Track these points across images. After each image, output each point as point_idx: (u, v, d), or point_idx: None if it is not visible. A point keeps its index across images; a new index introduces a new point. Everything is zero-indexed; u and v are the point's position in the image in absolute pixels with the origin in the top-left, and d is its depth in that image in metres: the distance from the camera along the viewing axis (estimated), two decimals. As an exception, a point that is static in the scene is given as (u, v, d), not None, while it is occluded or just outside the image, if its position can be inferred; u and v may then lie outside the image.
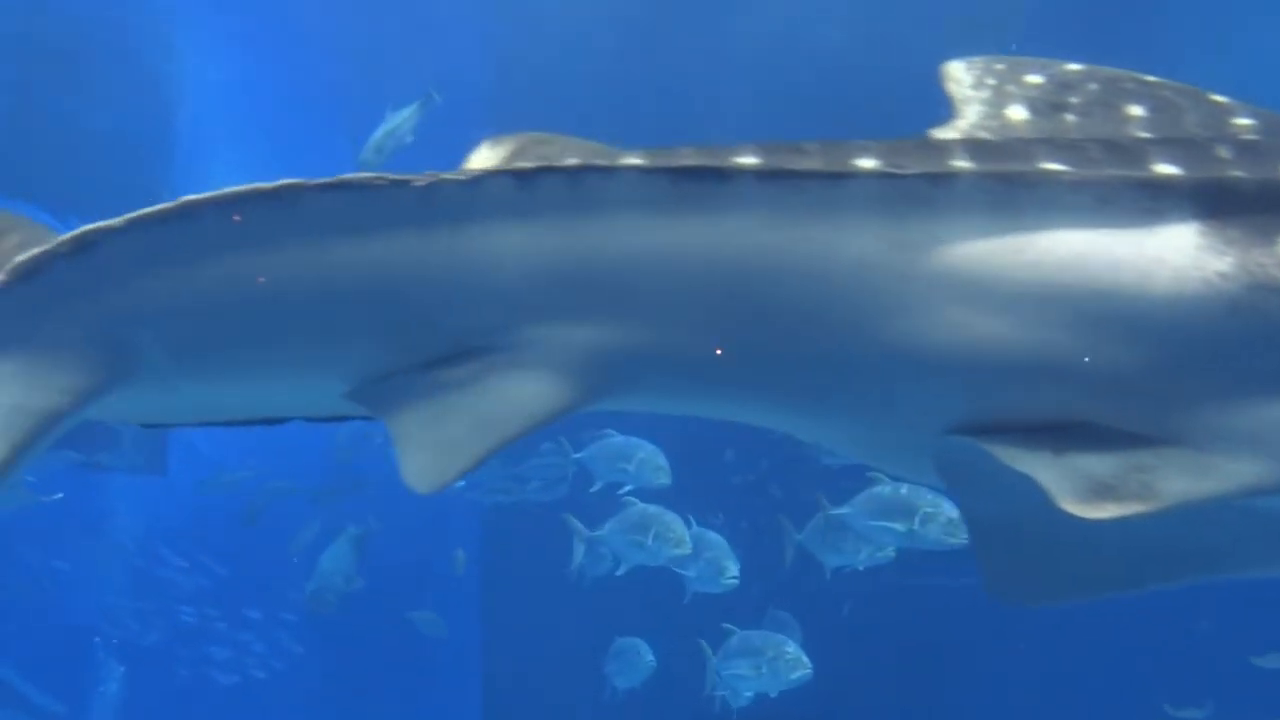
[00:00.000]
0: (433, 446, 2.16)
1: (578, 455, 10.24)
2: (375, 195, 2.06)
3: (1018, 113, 2.61)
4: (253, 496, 13.64)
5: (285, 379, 2.32)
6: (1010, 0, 11.59)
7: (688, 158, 2.10)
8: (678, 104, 12.40)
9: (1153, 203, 2.06)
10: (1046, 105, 2.61)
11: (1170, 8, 11.40)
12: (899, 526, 8.01)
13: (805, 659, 8.76)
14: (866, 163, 2.08)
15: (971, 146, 2.16)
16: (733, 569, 9.17)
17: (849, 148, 2.13)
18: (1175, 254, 2.04)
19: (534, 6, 12.83)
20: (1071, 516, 2.00)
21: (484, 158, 2.38)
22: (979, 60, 2.88)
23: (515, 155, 2.32)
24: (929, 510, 7.89)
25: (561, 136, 2.39)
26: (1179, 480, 2.04)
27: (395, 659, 15.26)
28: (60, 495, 11.11)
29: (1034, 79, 2.71)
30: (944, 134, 2.56)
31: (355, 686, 15.51)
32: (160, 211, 2.07)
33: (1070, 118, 2.57)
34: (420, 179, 2.05)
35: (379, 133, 10.28)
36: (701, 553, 9.06)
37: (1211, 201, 2.06)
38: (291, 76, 13.30)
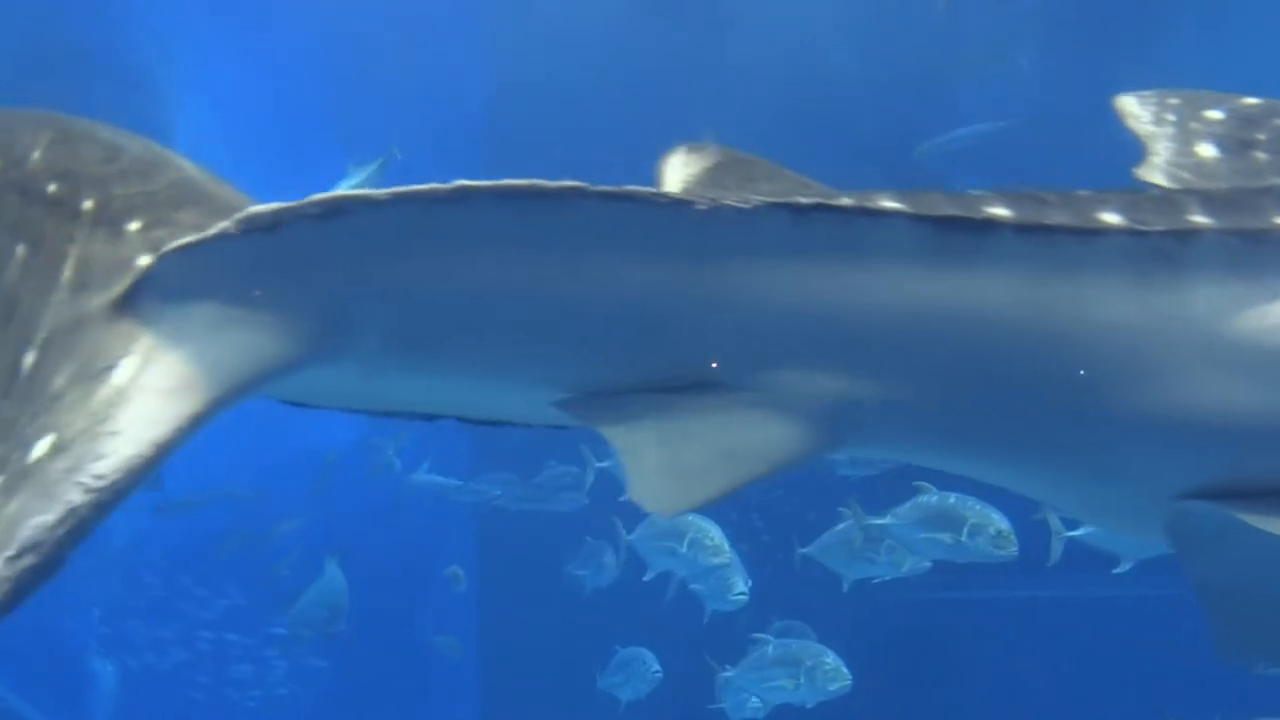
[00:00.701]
0: (671, 471, 2.13)
1: (601, 464, 10.14)
2: (656, 211, 1.99)
3: (1207, 150, 2.62)
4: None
5: (496, 382, 2.28)
6: (1012, 17, 11.61)
7: (943, 205, 2.05)
8: (675, 115, 12.42)
9: None
10: (1235, 143, 2.63)
11: (1171, 17, 11.42)
12: (945, 538, 7.82)
13: (845, 670, 8.47)
14: (1110, 217, 2.05)
15: (1204, 199, 2.14)
16: (741, 585, 9.05)
17: (1087, 199, 2.11)
18: None
19: (531, 19, 12.85)
20: None
21: (682, 164, 2.38)
22: (1150, 95, 2.89)
23: (716, 170, 2.35)
24: (977, 521, 7.72)
25: (755, 157, 2.40)
26: None
27: (391, 673, 15.21)
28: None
29: (1214, 114, 2.72)
30: (1148, 174, 2.60)
31: (351, 701, 15.45)
32: (431, 191, 1.97)
33: (1261, 156, 2.59)
34: (701, 201, 1.99)
35: (339, 189, 10.27)
36: (712, 568, 8.97)
37: None
38: (290, 89, 13.33)
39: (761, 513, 11.05)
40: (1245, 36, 10.94)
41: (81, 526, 1.94)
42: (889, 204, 2.01)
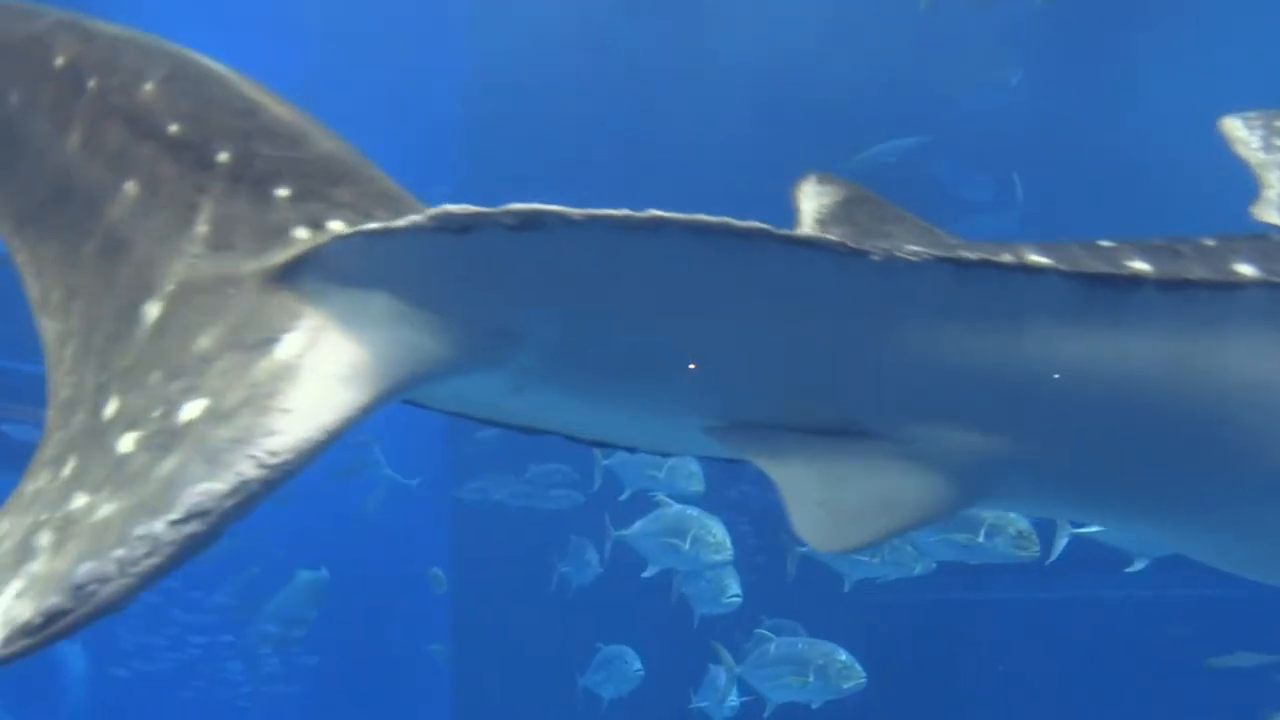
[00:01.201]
0: (832, 512, 2.16)
1: (607, 461, 10.05)
2: (836, 259, 1.97)
3: None
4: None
5: (649, 409, 2.28)
6: (993, 19, 11.72)
7: (1087, 260, 2.05)
8: (651, 118, 12.45)
9: None
10: None
11: (1154, 25, 11.57)
12: (960, 538, 7.80)
13: (859, 668, 8.39)
14: (1246, 269, 2.04)
15: None
16: (735, 588, 9.00)
17: (1219, 249, 2.10)
18: None
19: (508, 22, 12.83)
20: None
21: (814, 194, 2.45)
22: (1256, 116, 2.88)
23: (847, 205, 2.38)
24: (995, 522, 7.69)
25: (878, 199, 2.44)
26: None
27: (365, 676, 15.14)
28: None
29: None
30: (1263, 213, 2.59)
31: (322, 704, 15.36)
32: (625, 217, 1.95)
33: None
34: (877, 252, 1.97)
35: None
36: (713, 566, 8.88)
37: None
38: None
39: (750, 513, 11.09)
40: (1224, 53, 11.11)
41: (250, 501, 1.85)
42: (1039, 259, 2.01)
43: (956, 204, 12.80)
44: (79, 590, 1.77)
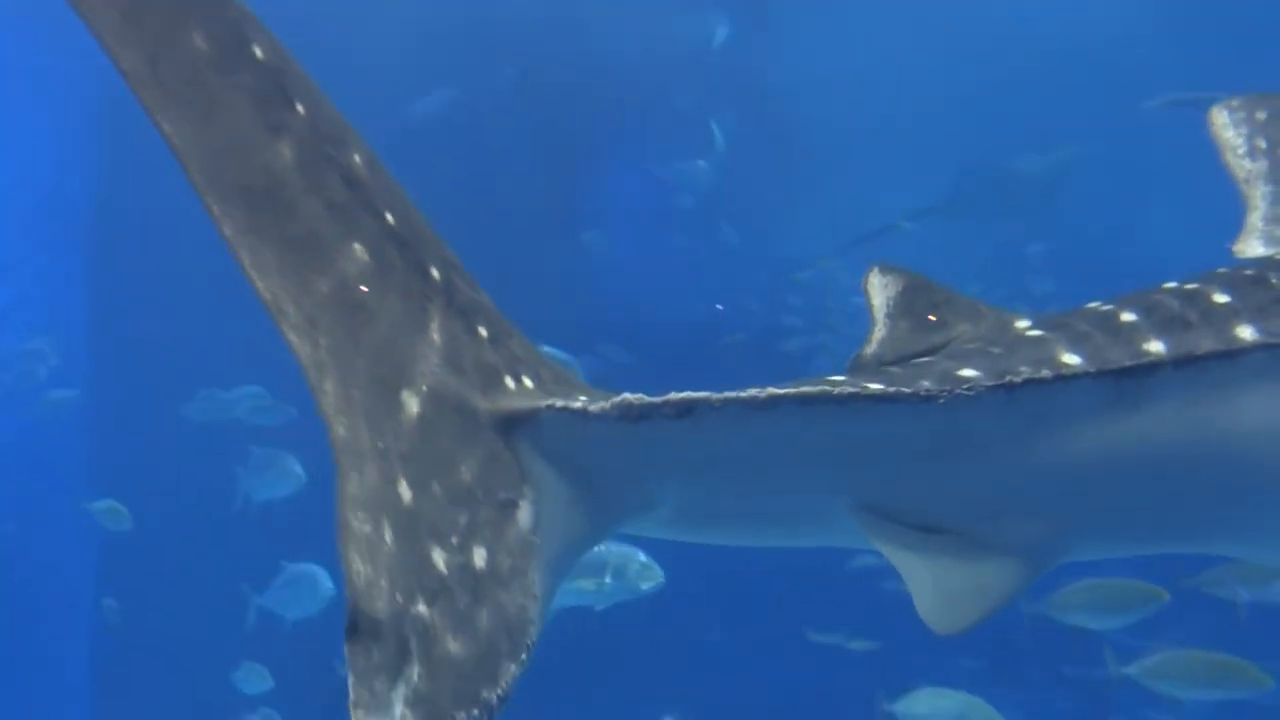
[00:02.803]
0: (945, 597, 2.52)
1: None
2: (907, 406, 2.36)
3: None
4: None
5: (783, 533, 2.77)
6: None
7: (1109, 349, 2.40)
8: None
9: None
10: None
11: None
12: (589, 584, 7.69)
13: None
14: (1245, 331, 2.39)
15: None
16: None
17: (1223, 311, 2.44)
18: None
19: None
20: None
21: (881, 287, 2.76)
22: (1239, 106, 3.02)
23: (906, 295, 2.74)
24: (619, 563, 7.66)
25: (930, 284, 2.80)
26: None
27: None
28: None
29: None
30: (1248, 245, 2.81)
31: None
32: (751, 398, 2.32)
33: None
34: (941, 395, 2.36)
35: None
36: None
37: None
38: None
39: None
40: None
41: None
42: (1071, 360, 2.41)
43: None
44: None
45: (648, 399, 2.30)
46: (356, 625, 2.03)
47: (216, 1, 2.23)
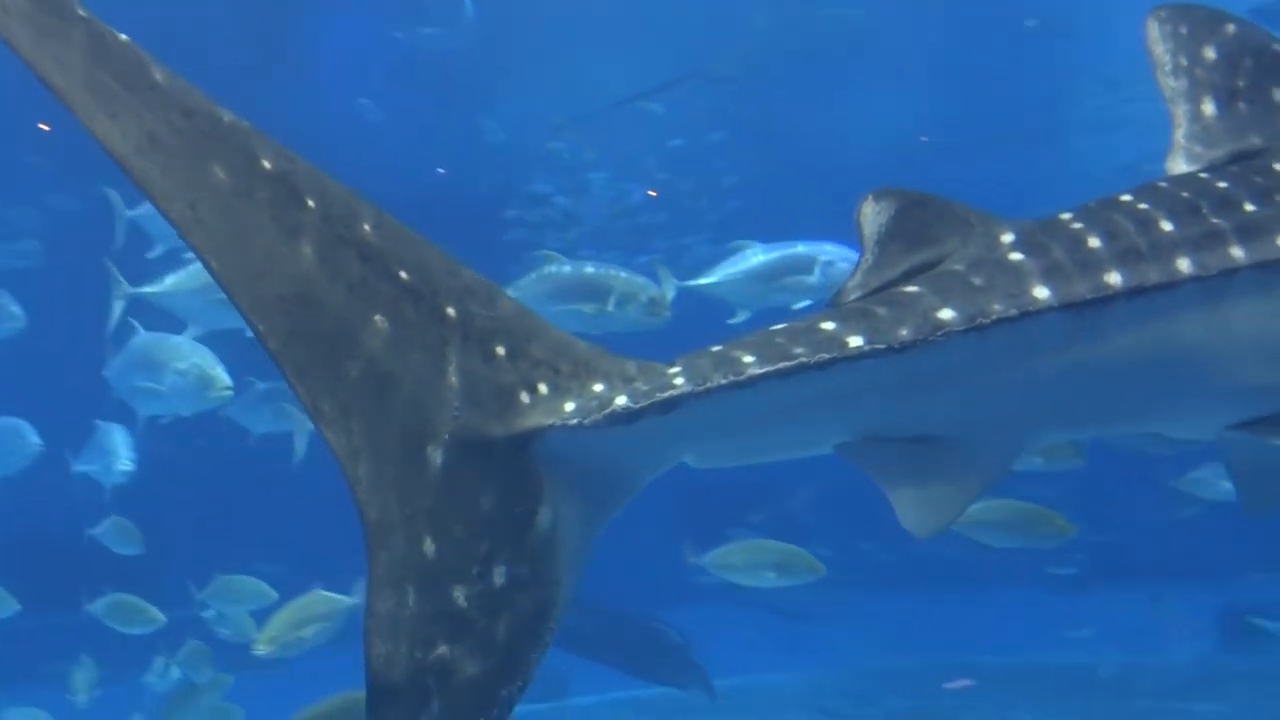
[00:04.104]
0: (927, 503, 2.80)
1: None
2: (878, 359, 2.66)
3: (1209, 108, 3.10)
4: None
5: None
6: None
7: (1079, 284, 2.71)
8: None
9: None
10: (1228, 93, 3.05)
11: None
12: (588, 308, 7.12)
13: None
14: (1183, 263, 2.73)
15: (1238, 232, 2.77)
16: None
17: (1165, 244, 2.76)
18: None
19: None
20: None
21: (874, 214, 2.89)
22: (1167, 16, 3.18)
23: (896, 222, 2.87)
24: (626, 290, 7.13)
25: (926, 199, 2.92)
26: None
27: None
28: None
29: (1210, 54, 3.09)
30: (1174, 163, 3.06)
31: None
32: (731, 382, 2.59)
33: (1244, 107, 3.08)
34: (904, 342, 2.66)
35: None
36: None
37: None
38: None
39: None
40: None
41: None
42: (1042, 294, 2.70)
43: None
44: None
45: (635, 404, 2.61)
46: (376, 694, 2.39)
47: (224, 132, 2.37)
